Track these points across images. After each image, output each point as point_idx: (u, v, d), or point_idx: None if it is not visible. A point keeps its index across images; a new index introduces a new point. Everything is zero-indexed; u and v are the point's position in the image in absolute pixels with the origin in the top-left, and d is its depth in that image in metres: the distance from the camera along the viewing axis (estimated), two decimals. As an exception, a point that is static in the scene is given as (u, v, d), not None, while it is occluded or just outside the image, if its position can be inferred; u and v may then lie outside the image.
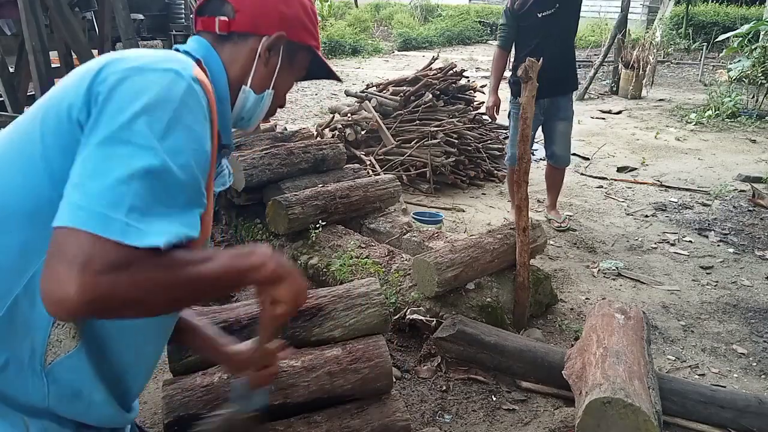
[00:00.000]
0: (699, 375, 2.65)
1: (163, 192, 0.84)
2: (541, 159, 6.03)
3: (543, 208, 4.69)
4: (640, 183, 5.40)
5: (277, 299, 1.04)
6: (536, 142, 6.42)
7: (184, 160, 0.87)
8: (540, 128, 4.14)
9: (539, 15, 3.86)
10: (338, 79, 1.32)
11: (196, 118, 0.91)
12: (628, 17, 9.68)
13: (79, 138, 0.86)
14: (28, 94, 2.52)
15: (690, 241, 4.11)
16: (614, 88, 9.71)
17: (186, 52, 1.07)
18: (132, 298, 0.81)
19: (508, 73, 4.41)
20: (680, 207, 4.78)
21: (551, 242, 3.92)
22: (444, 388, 2.49)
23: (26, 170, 0.90)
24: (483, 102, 6.28)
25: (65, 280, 0.76)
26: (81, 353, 0.95)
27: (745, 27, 8.31)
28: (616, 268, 3.64)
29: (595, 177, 5.53)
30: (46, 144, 0.89)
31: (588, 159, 6.09)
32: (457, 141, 5.07)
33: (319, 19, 1.12)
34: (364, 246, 3.19)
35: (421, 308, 2.72)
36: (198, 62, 1.05)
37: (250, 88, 1.12)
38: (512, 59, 4.48)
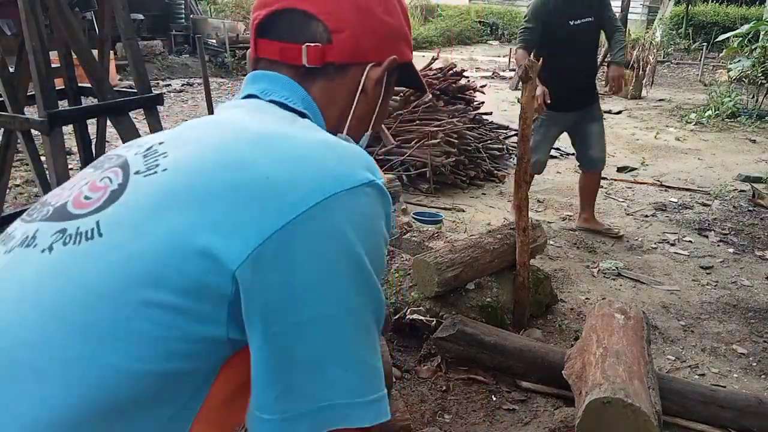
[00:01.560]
0: (699, 375, 2.65)
1: (375, 345, 0.65)
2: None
3: (543, 208, 4.69)
4: (640, 183, 5.40)
5: None
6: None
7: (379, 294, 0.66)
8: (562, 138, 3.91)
9: (571, 23, 3.68)
10: (425, 91, 1.04)
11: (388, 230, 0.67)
12: (628, 17, 9.69)
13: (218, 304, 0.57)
14: (28, 94, 2.52)
15: (690, 241, 4.11)
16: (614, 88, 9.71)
17: (282, 104, 0.74)
18: None
19: (509, 73, 4.41)
20: (680, 207, 4.78)
21: (551, 242, 3.92)
22: (444, 388, 2.49)
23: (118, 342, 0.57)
24: (483, 102, 6.30)
25: None
26: None
27: (745, 27, 8.31)
28: (616, 268, 3.64)
29: (595, 177, 5.53)
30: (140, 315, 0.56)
31: (588, 159, 6.09)
32: (457, 141, 5.07)
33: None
34: (364, 246, 3.18)
35: (421, 308, 2.72)
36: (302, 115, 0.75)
37: (347, 136, 0.79)
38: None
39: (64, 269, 0.58)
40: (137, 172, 0.62)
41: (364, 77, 0.77)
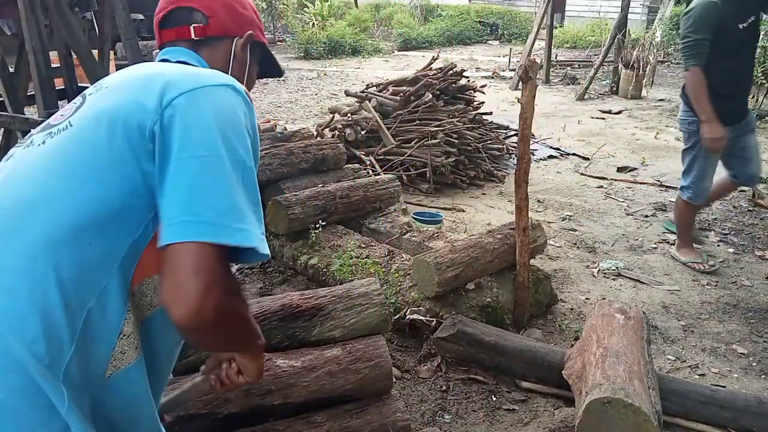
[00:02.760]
0: (699, 375, 2.65)
1: (254, 194, 0.95)
2: (541, 159, 6.04)
3: (543, 208, 4.69)
4: (640, 183, 5.40)
5: (246, 370, 1.20)
6: (536, 142, 6.42)
7: (254, 162, 0.99)
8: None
9: (740, 26, 3.21)
10: (281, 74, 1.46)
11: (251, 123, 1.02)
12: (628, 17, 9.67)
13: (151, 149, 0.92)
14: (28, 94, 2.52)
15: (690, 241, 4.11)
16: (614, 88, 9.71)
17: (184, 62, 1.15)
18: (226, 325, 0.91)
19: (509, 73, 4.39)
20: (680, 207, 4.78)
21: (551, 242, 3.92)
22: (444, 388, 2.49)
23: (95, 180, 0.91)
24: (483, 102, 6.30)
25: (196, 291, 0.84)
26: (141, 364, 0.97)
27: (745, 27, 8.30)
28: (616, 268, 3.64)
29: (595, 177, 5.53)
30: (115, 156, 0.91)
31: (588, 159, 6.09)
32: (457, 141, 5.07)
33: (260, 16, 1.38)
34: (364, 246, 3.19)
35: (421, 308, 2.72)
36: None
37: None
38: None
39: (57, 147, 0.95)
40: (90, 94, 1.03)
41: (233, 45, 1.21)
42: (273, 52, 1.37)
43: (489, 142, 5.66)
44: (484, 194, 5.01)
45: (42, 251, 0.87)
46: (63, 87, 2.60)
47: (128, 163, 0.91)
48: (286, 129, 5.15)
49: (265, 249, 0.92)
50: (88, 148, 0.92)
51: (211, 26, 1.18)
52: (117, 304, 0.92)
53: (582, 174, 5.63)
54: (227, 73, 1.15)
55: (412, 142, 5.04)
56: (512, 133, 6.24)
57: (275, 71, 1.40)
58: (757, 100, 8.14)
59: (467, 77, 6.27)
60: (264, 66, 1.36)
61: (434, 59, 6.25)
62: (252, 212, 0.92)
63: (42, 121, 2.16)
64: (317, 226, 3.28)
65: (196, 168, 0.89)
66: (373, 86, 5.90)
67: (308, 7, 16.32)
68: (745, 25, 3.23)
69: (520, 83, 2.86)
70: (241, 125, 0.97)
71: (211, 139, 0.91)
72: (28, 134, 1.06)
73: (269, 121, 5.59)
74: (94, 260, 0.90)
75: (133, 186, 0.91)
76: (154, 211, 0.93)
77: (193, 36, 1.17)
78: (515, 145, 4.46)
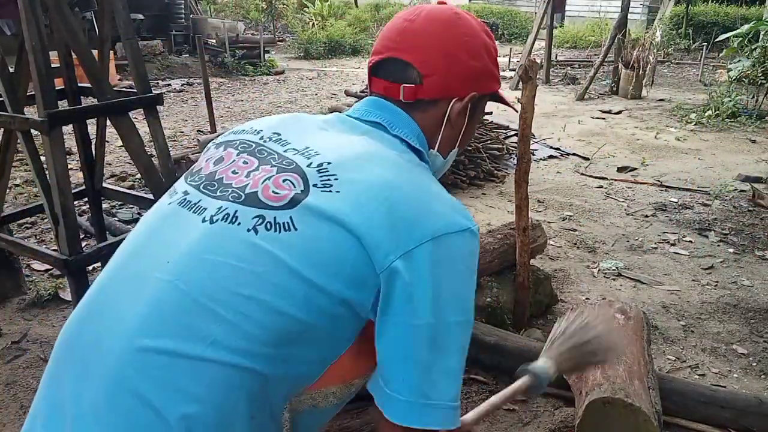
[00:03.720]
0: (699, 375, 2.65)
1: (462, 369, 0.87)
2: (541, 159, 6.04)
3: (543, 208, 4.69)
4: (640, 183, 5.40)
5: None
6: (536, 142, 6.43)
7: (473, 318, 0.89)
8: None
9: None
10: (515, 109, 1.29)
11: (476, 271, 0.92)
12: (628, 17, 9.68)
13: (368, 293, 0.81)
14: (28, 94, 2.52)
15: (690, 241, 4.11)
16: (614, 88, 9.71)
17: (398, 137, 0.99)
18: None
19: (509, 73, 4.39)
20: (680, 207, 4.78)
21: (551, 242, 3.92)
22: (444, 388, 2.48)
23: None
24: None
25: None
26: None
27: (745, 27, 8.30)
28: (616, 268, 3.64)
29: (595, 177, 5.53)
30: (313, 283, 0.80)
31: (588, 159, 6.09)
32: (457, 141, 5.06)
33: (384, 31, 1.07)
34: (364, 246, 3.19)
35: (421, 308, 2.71)
36: (410, 146, 1.01)
37: (437, 152, 1.07)
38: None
39: (267, 249, 0.80)
40: (315, 185, 0.84)
41: (449, 110, 1.01)
42: (500, 94, 1.13)
43: (489, 142, 5.66)
44: (484, 194, 5.01)
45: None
46: (63, 87, 2.60)
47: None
48: (286, 129, 5.14)
49: (457, 422, 0.84)
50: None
51: (425, 88, 0.99)
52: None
53: (582, 174, 5.63)
54: (436, 137, 1.03)
55: (412, 142, 5.04)
56: (512, 133, 6.24)
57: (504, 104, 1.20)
58: (757, 100, 8.15)
59: (467, 77, 6.27)
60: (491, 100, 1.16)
61: (434, 59, 6.25)
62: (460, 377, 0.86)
63: (42, 121, 2.17)
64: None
65: (431, 337, 0.80)
66: (373, 86, 5.89)
67: (308, 7, 16.33)
68: None
69: (520, 83, 2.86)
70: (474, 278, 0.89)
71: (449, 304, 0.81)
72: (202, 185, 0.90)
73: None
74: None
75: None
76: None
77: (401, 98, 1.00)
78: (515, 145, 4.46)
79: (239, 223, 0.82)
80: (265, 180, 0.86)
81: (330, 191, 0.83)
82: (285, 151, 0.91)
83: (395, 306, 0.80)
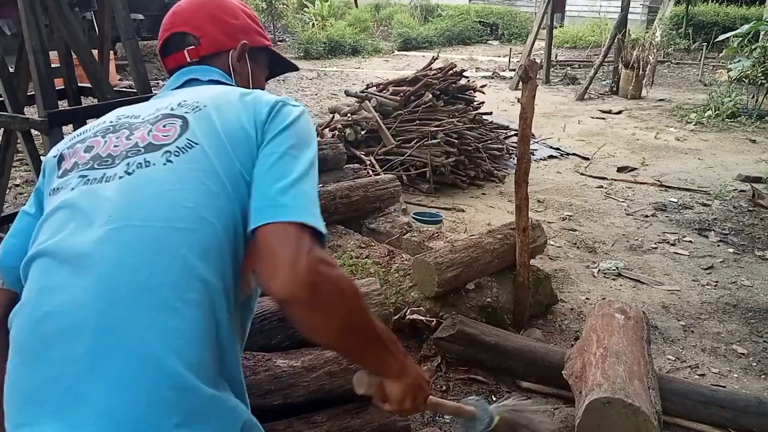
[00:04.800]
0: (699, 375, 2.65)
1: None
2: (541, 159, 6.04)
3: (543, 208, 4.69)
4: (640, 183, 5.40)
5: (389, 395, 1.07)
6: (536, 142, 6.43)
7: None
8: None
9: None
10: (296, 68, 1.45)
11: None
12: (628, 17, 9.68)
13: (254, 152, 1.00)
14: (28, 94, 2.52)
15: (690, 241, 4.11)
16: (614, 88, 9.71)
17: (217, 81, 1.19)
18: (330, 297, 0.89)
19: (509, 73, 4.38)
20: (680, 207, 4.78)
21: (551, 242, 3.92)
22: (444, 388, 2.48)
23: (220, 197, 0.96)
24: (483, 102, 6.29)
25: (297, 264, 0.86)
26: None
27: (745, 27, 8.30)
28: (616, 268, 3.64)
29: (595, 177, 5.53)
30: (239, 161, 0.99)
31: (588, 159, 6.09)
32: (457, 141, 5.07)
33: (259, 19, 1.42)
34: (364, 246, 3.19)
35: (421, 308, 2.72)
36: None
37: None
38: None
39: (188, 167, 0.96)
40: (186, 113, 1.03)
41: (230, 59, 1.22)
42: (276, 50, 1.39)
43: (489, 142, 5.66)
44: (484, 194, 5.01)
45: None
46: (63, 87, 2.60)
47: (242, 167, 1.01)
48: (286, 129, 5.15)
49: (325, 244, 0.98)
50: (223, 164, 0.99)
51: (203, 45, 1.20)
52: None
53: (582, 174, 5.63)
54: (233, 82, 1.22)
55: (412, 142, 5.04)
56: (512, 133, 6.23)
57: (289, 67, 1.44)
58: (757, 100, 8.15)
59: (467, 77, 6.27)
60: (275, 66, 1.39)
61: (434, 59, 6.25)
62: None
63: (42, 121, 2.17)
64: (317, 226, 3.28)
65: (295, 161, 0.99)
66: (373, 86, 5.90)
67: (308, 7, 16.32)
68: None
69: (520, 83, 2.86)
70: (309, 132, 1.07)
71: (307, 145, 1.02)
72: (86, 166, 1.02)
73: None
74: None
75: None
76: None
77: (188, 59, 1.20)
78: (515, 145, 4.46)
79: (154, 164, 0.96)
80: (148, 133, 1.01)
81: (200, 110, 1.03)
82: (143, 118, 1.06)
83: (266, 146, 1.00)
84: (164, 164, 0.96)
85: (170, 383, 0.84)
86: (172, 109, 1.05)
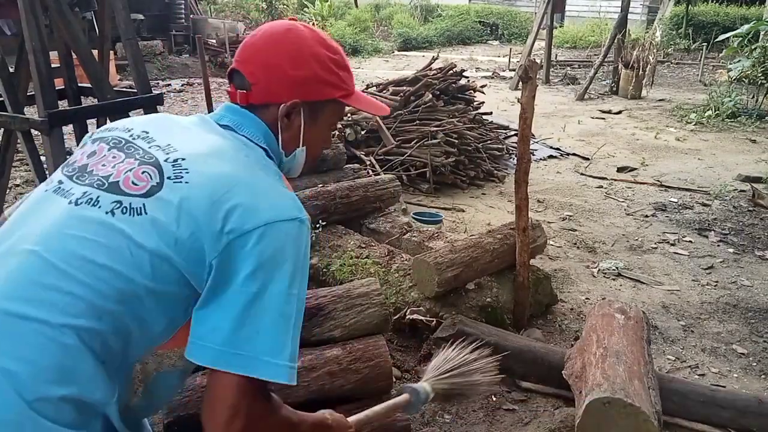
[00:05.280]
0: (699, 375, 2.65)
1: (299, 320, 1.00)
2: (541, 159, 6.04)
3: (543, 208, 4.69)
4: (640, 183, 5.40)
5: None
6: (536, 142, 6.43)
7: (304, 296, 1.03)
8: None
9: None
10: (385, 112, 1.34)
11: (307, 255, 1.05)
12: (628, 17, 9.68)
13: (202, 268, 0.96)
14: (28, 94, 2.52)
15: (690, 241, 4.11)
16: (614, 88, 9.71)
17: (245, 137, 1.12)
18: None
19: (509, 73, 4.38)
20: (680, 207, 4.78)
21: (551, 242, 3.92)
22: (444, 388, 2.48)
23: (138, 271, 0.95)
24: (483, 102, 6.29)
25: (223, 419, 0.93)
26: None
27: (745, 27, 8.30)
28: (616, 268, 3.64)
29: (595, 177, 5.53)
30: (157, 252, 0.95)
31: (588, 159, 6.09)
32: (457, 141, 5.07)
33: (347, 60, 1.24)
34: (364, 246, 3.19)
35: (421, 308, 2.72)
36: (258, 145, 1.14)
37: (281, 150, 1.18)
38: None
39: (121, 228, 0.95)
40: (169, 178, 1.00)
41: (281, 110, 1.13)
42: (351, 104, 1.24)
43: (489, 142, 5.66)
44: (484, 194, 5.01)
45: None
46: (63, 87, 2.60)
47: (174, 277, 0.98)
48: (286, 129, 5.15)
49: (293, 380, 0.97)
50: (118, 243, 0.95)
51: (254, 93, 1.13)
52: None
53: (582, 174, 5.63)
54: (277, 141, 1.16)
55: (412, 142, 5.04)
56: (512, 133, 6.24)
57: (373, 110, 1.31)
58: (757, 100, 8.15)
59: (467, 77, 6.27)
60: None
61: (434, 59, 6.25)
62: (291, 342, 0.98)
63: (42, 121, 2.17)
64: (317, 226, 3.28)
65: (250, 302, 0.95)
66: (373, 86, 5.90)
67: (308, 7, 16.34)
68: None
69: (520, 83, 2.86)
70: (305, 263, 1.03)
71: (273, 278, 0.96)
72: (69, 169, 1.05)
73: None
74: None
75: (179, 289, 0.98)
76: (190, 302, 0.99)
77: (238, 103, 1.14)
78: (515, 145, 4.46)
79: (100, 206, 0.97)
80: (127, 171, 1.01)
81: (180, 182, 0.99)
82: (150, 147, 1.05)
83: (226, 278, 0.96)
84: (106, 213, 0.97)
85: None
86: (165, 160, 1.03)
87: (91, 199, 0.98)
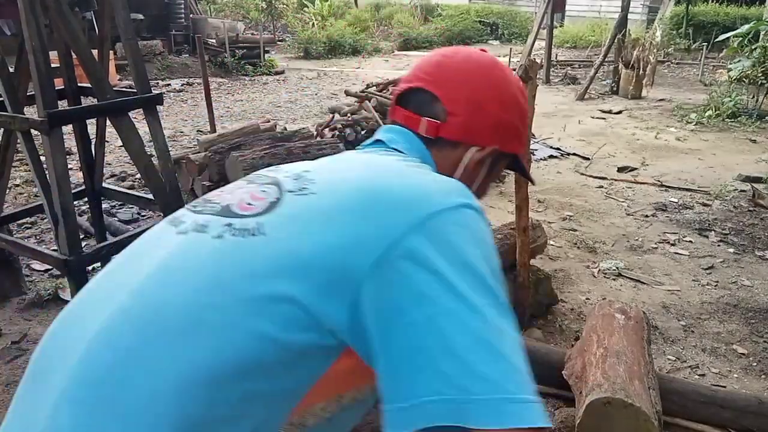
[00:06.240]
0: (699, 375, 2.65)
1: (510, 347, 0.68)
2: (541, 159, 6.04)
3: (543, 208, 4.69)
4: (641, 183, 5.40)
5: None
6: (536, 142, 6.43)
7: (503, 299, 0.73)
8: None
9: None
10: (532, 182, 1.16)
11: (493, 252, 0.77)
12: (628, 17, 9.68)
13: (342, 302, 0.69)
14: (28, 94, 2.52)
15: (690, 241, 4.11)
16: (614, 88, 9.71)
17: (395, 149, 0.92)
18: None
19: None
20: (680, 207, 4.78)
21: (551, 242, 3.92)
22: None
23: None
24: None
25: None
26: None
27: (745, 27, 8.30)
28: (617, 268, 3.64)
29: (596, 177, 5.53)
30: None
31: (588, 159, 6.09)
32: (457, 141, 5.06)
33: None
34: (364, 246, 3.19)
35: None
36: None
37: None
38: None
39: (231, 252, 0.73)
40: (290, 191, 0.79)
41: (467, 156, 0.94)
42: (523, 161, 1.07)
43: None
44: (484, 194, 5.01)
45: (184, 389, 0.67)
46: (63, 87, 2.60)
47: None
48: (286, 129, 5.14)
49: (547, 421, 0.64)
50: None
51: (448, 126, 0.92)
52: None
53: (582, 174, 5.63)
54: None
55: (412, 142, 5.04)
56: (512, 133, 6.23)
57: (523, 175, 1.13)
58: (757, 100, 8.15)
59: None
60: (513, 167, 1.07)
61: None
62: (524, 368, 0.67)
63: (42, 121, 2.17)
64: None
65: (448, 327, 0.64)
66: (373, 86, 5.90)
67: (308, 7, 16.34)
68: None
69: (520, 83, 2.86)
70: (492, 255, 0.74)
71: (461, 286, 0.67)
72: (192, 204, 0.86)
73: (269, 121, 5.58)
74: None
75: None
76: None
77: (422, 132, 0.93)
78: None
79: (207, 232, 0.77)
80: (243, 195, 0.83)
81: (306, 194, 0.78)
82: (277, 174, 0.86)
83: (397, 304, 0.66)
84: (213, 238, 0.75)
85: None
86: (285, 176, 0.83)
87: (200, 225, 0.79)
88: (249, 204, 0.79)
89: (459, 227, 0.72)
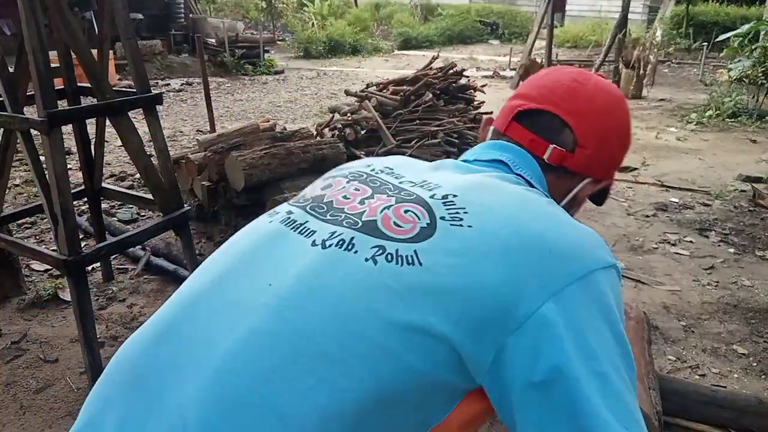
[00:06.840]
0: (699, 375, 2.65)
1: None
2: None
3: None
4: (641, 183, 5.39)
5: None
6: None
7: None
8: None
9: None
10: (600, 204, 1.14)
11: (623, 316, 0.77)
12: (629, 17, 9.68)
13: (488, 348, 0.68)
14: (28, 94, 2.52)
15: (691, 242, 4.11)
16: (615, 88, 9.72)
17: (521, 176, 0.89)
18: None
19: (509, 73, 4.38)
20: (681, 207, 4.78)
21: (551, 242, 3.91)
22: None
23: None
24: (483, 102, 6.28)
25: None
26: None
27: (746, 27, 8.30)
28: (617, 268, 3.63)
29: (596, 177, 5.52)
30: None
31: (588, 159, 6.09)
32: (457, 141, 5.07)
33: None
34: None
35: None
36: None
37: None
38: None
39: (386, 280, 0.69)
40: (442, 218, 0.74)
41: (579, 187, 0.94)
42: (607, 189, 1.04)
43: (489, 141, 5.65)
44: (485, 194, 5.01)
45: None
46: (63, 87, 2.60)
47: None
48: (285, 129, 5.13)
49: None
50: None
51: (574, 157, 0.91)
52: None
53: (582, 174, 5.63)
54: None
55: (413, 142, 5.04)
56: (512, 132, 6.22)
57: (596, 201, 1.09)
58: (757, 100, 8.15)
59: (467, 77, 6.26)
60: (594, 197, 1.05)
61: (434, 59, 6.25)
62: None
63: (42, 121, 2.16)
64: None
65: (593, 390, 0.65)
66: (373, 86, 5.89)
67: (308, 7, 16.34)
68: None
69: (521, 82, 2.86)
70: (623, 317, 0.76)
71: (603, 352, 0.68)
72: (311, 207, 0.82)
73: (269, 121, 5.58)
74: None
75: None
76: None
77: (544, 157, 0.90)
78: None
79: (356, 251, 0.72)
80: (383, 209, 0.77)
81: (461, 226, 0.73)
82: (400, 182, 0.83)
83: (549, 362, 0.66)
84: (366, 260, 0.71)
85: None
86: (431, 197, 0.78)
87: (344, 240, 0.74)
88: (397, 225, 0.75)
89: (610, 289, 0.73)
